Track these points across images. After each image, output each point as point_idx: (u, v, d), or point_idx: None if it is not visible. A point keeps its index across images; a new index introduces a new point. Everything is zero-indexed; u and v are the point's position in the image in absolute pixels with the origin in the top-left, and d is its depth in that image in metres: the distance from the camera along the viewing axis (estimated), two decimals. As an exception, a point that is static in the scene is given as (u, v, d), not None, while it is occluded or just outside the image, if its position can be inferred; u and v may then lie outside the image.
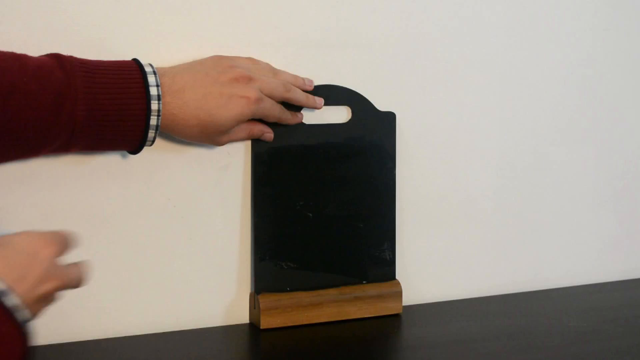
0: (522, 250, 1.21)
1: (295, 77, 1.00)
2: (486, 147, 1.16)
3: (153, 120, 0.87)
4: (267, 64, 0.99)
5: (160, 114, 0.88)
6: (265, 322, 1.01)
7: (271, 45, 1.01)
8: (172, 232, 1.00)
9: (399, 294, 1.08)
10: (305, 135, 1.03)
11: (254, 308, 1.02)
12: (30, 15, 0.90)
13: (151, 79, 0.87)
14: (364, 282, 1.07)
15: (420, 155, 1.12)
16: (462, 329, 1.07)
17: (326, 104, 1.03)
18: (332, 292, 1.04)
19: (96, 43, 0.92)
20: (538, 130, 1.20)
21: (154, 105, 0.87)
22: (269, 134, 0.99)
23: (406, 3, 1.09)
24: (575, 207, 1.24)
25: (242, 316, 1.04)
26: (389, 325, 1.06)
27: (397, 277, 1.09)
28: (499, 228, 1.19)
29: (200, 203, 1.01)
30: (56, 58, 0.85)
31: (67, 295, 0.96)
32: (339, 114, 1.05)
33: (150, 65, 0.89)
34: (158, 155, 0.98)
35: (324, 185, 1.04)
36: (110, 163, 0.96)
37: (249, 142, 1.01)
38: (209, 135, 0.93)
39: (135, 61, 0.89)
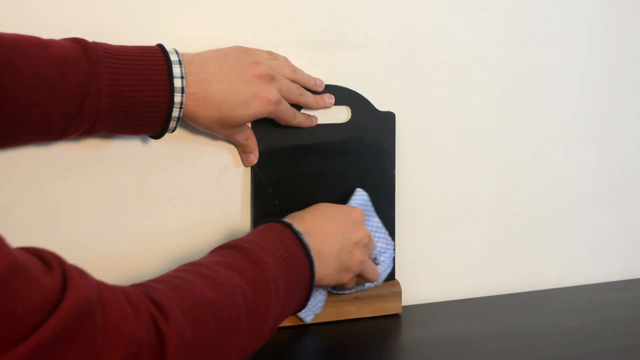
0: (522, 250, 1.21)
1: (309, 77, 1.01)
2: (486, 147, 1.16)
3: (175, 112, 0.88)
4: (286, 59, 1.00)
5: (183, 106, 0.88)
6: (265, 322, 1.01)
7: (271, 46, 1.01)
8: (172, 232, 1.00)
9: (398, 294, 1.08)
10: (305, 135, 1.03)
11: (254, 308, 1.02)
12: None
13: (176, 70, 0.87)
14: (364, 282, 1.07)
15: (419, 155, 1.12)
16: (462, 329, 1.07)
17: (326, 104, 1.04)
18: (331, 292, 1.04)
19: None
20: (538, 130, 1.20)
21: (177, 98, 0.87)
22: (252, 157, 1.00)
23: (406, 3, 1.09)
24: (575, 207, 1.24)
25: (242, 316, 1.04)
26: (388, 325, 1.06)
27: (396, 277, 1.09)
28: (499, 228, 1.19)
29: (200, 203, 1.01)
30: (82, 46, 0.84)
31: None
32: (339, 114, 1.05)
33: (176, 52, 0.89)
34: (158, 155, 0.98)
35: (323, 185, 1.04)
36: (110, 163, 0.96)
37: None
38: (224, 127, 0.94)
39: (161, 48, 0.88)
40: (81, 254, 0.95)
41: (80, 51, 0.83)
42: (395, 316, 1.08)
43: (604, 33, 1.22)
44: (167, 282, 0.72)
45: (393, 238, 1.07)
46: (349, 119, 1.05)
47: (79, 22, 0.91)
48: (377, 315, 1.06)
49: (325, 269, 0.90)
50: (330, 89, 1.03)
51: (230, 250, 0.82)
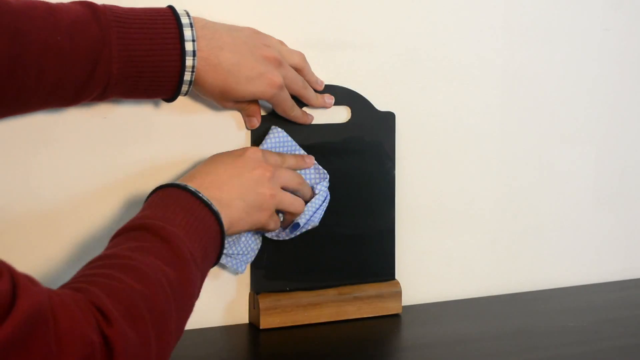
0: (522, 250, 1.21)
1: (313, 73, 1.01)
2: (486, 147, 1.16)
3: (187, 76, 0.88)
4: (299, 52, 0.99)
5: (195, 69, 0.88)
6: (265, 322, 1.01)
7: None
8: (172, 232, 1.00)
9: (398, 294, 1.08)
10: (305, 135, 1.03)
11: (254, 308, 1.02)
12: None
13: (187, 33, 0.87)
14: (364, 282, 1.07)
15: (419, 155, 1.12)
16: (462, 329, 1.07)
17: (326, 104, 1.04)
18: (331, 292, 1.04)
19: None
20: (538, 130, 1.20)
21: (189, 62, 0.87)
22: (255, 120, 1.00)
23: (406, 3, 1.09)
24: (575, 207, 1.24)
25: (242, 316, 1.04)
26: (388, 325, 1.06)
27: (396, 277, 1.09)
28: (499, 228, 1.19)
29: (200, 203, 1.01)
30: (92, 10, 0.84)
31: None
32: (339, 114, 1.05)
33: (187, 14, 0.88)
34: (158, 155, 0.98)
35: (323, 185, 1.04)
36: (110, 162, 0.96)
37: (248, 142, 1.01)
38: (225, 98, 0.94)
39: (172, 10, 0.88)
40: (80, 254, 0.96)
41: (90, 16, 0.83)
42: (395, 316, 1.08)
43: (604, 33, 1.22)
44: (98, 283, 0.70)
45: (393, 237, 1.08)
46: (349, 119, 1.05)
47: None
48: (376, 315, 1.06)
49: (233, 214, 0.87)
50: (330, 89, 1.03)
51: (139, 232, 0.78)
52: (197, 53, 0.87)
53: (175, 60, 0.86)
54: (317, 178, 1.01)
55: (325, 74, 1.03)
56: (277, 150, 1.00)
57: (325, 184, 1.02)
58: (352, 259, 1.06)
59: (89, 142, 0.95)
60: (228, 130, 1.01)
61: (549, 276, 1.22)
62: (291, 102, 0.99)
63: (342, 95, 1.04)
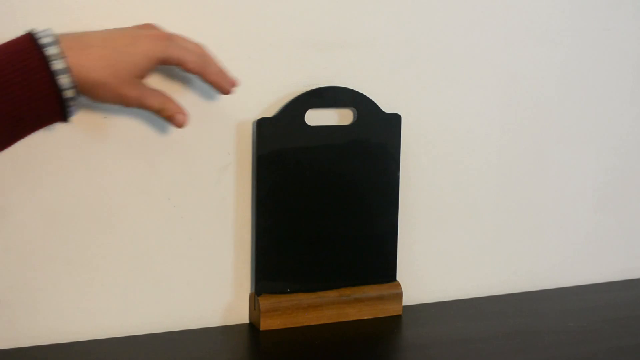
0: (522, 250, 1.21)
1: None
2: (488, 148, 1.16)
3: (57, 65, 0.78)
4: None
5: (63, 56, 0.78)
6: (265, 324, 1.01)
7: (275, 46, 1.00)
8: (172, 232, 1.00)
9: (399, 296, 1.07)
10: (309, 137, 1.02)
11: (254, 309, 1.02)
12: None
13: (40, 31, 0.79)
14: (364, 283, 1.07)
15: (422, 157, 1.11)
16: (462, 329, 1.07)
17: (331, 105, 1.03)
18: (332, 294, 1.04)
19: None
20: (541, 131, 1.19)
21: (52, 50, 0.78)
22: (181, 116, 0.89)
23: (411, 4, 1.08)
24: (575, 207, 1.24)
25: (242, 317, 1.04)
26: (389, 326, 1.06)
27: (397, 277, 1.09)
28: (499, 228, 1.19)
29: (200, 203, 1.01)
30: None
31: (65, 296, 0.96)
32: (344, 116, 1.05)
33: (47, 30, 0.80)
34: (158, 155, 0.98)
35: (326, 187, 1.04)
36: (110, 163, 0.96)
37: (249, 143, 1.01)
38: (123, 80, 0.83)
39: (29, 31, 0.80)
40: (80, 254, 0.96)
41: None
42: (396, 317, 1.08)
43: (604, 33, 1.22)
44: None
45: (395, 238, 1.08)
46: (354, 121, 1.05)
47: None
48: (377, 316, 1.06)
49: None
50: (335, 90, 1.03)
51: None
52: (58, 43, 0.79)
53: (36, 57, 0.77)
54: None
55: (330, 75, 1.03)
56: None
57: None
58: (353, 260, 1.06)
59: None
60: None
61: (549, 276, 1.23)
62: (196, 56, 0.88)
63: (347, 97, 1.04)
